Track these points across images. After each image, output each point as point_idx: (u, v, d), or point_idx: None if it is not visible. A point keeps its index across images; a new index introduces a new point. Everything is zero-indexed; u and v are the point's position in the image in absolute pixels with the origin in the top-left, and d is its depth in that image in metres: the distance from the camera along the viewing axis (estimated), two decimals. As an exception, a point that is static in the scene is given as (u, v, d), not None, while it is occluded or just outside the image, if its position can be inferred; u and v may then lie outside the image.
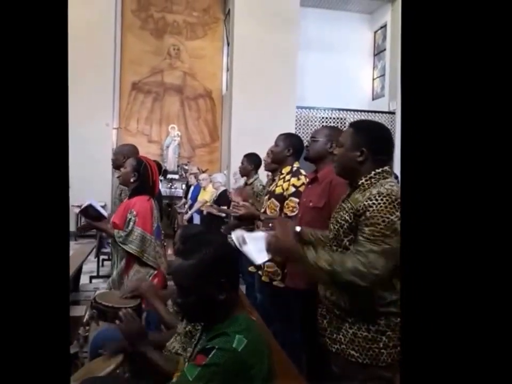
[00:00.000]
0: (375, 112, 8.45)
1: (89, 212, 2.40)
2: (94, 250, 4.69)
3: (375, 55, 9.61)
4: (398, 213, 1.30)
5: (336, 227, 1.46)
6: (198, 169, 7.40)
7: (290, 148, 2.52)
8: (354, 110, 8.42)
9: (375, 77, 9.59)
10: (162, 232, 2.85)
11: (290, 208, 2.34)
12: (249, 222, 2.72)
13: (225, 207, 4.97)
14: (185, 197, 6.99)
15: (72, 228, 7.00)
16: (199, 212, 5.76)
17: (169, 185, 8.58)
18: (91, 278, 4.78)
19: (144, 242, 2.33)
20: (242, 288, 3.37)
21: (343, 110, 8.41)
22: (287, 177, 2.46)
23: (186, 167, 8.56)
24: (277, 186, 2.49)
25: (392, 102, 8.47)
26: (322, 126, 7.11)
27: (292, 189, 2.38)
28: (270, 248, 1.44)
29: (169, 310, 1.84)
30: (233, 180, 6.17)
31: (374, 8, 9.28)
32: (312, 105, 8.29)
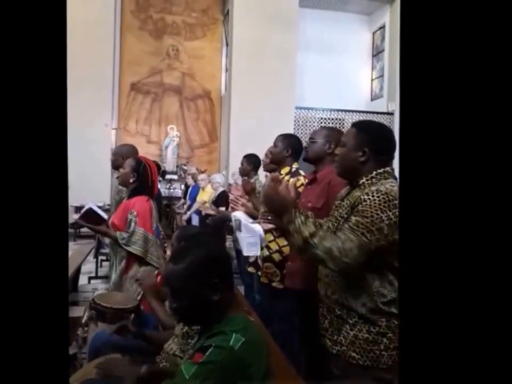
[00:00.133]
0: (374, 113, 8.46)
1: (89, 216, 2.37)
2: (93, 251, 4.69)
3: (373, 56, 9.62)
4: (389, 213, 1.30)
5: (335, 225, 1.46)
6: (197, 169, 7.39)
7: (289, 148, 2.52)
8: (353, 111, 8.44)
9: (373, 77, 9.60)
10: (162, 232, 2.84)
11: (289, 209, 2.33)
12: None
13: (224, 208, 4.97)
14: (184, 198, 6.98)
15: (71, 228, 7.00)
16: (198, 212, 5.76)
17: (168, 186, 8.59)
18: (90, 278, 4.78)
19: (147, 242, 2.33)
20: (241, 289, 3.37)
21: (341, 110, 8.43)
22: (286, 177, 2.46)
23: (185, 168, 8.56)
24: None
25: (390, 102, 8.48)
26: (321, 126, 7.10)
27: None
28: (266, 196, 1.40)
29: (166, 310, 1.84)
30: (232, 181, 6.17)
31: (373, 9, 9.29)
32: (311, 105, 8.30)
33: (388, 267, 1.35)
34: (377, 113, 8.44)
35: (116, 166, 3.06)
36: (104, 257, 4.91)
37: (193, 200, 6.21)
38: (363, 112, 8.53)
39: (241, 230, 1.67)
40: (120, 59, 8.62)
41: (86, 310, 2.48)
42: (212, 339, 1.09)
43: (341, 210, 1.46)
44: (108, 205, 5.71)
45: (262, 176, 3.73)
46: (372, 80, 9.63)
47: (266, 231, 2.09)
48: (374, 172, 1.43)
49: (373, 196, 1.33)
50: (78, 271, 4.13)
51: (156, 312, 1.82)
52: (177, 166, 8.85)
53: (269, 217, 1.55)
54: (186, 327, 1.51)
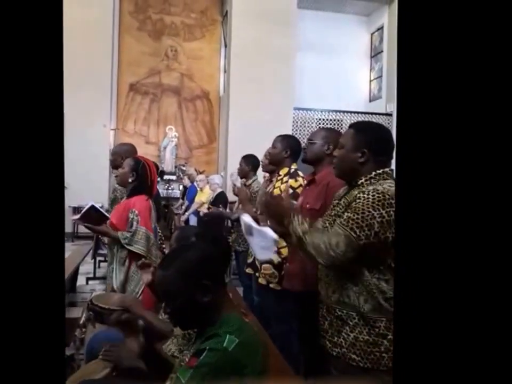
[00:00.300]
0: (372, 113, 8.47)
1: (90, 215, 2.34)
2: (91, 251, 4.67)
3: (372, 57, 9.64)
4: (382, 211, 1.30)
5: (332, 223, 1.46)
6: (195, 170, 7.39)
7: (288, 149, 2.52)
8: (351, 112, 8.44)
9: (372, 78, 9.61)
10: (160, 233, 2.84)
11: (288, 210, 2.33)
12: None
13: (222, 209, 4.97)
14: (182, 198, 6.99)
15: (69, 229, 6.99)
16: (196, 213, 5.76)
17: (166, 186, 8.59)
18: (88, 279, 4.77)
19: (149, 241, 2.31)
20: (240, 290, 3.37)
21: (340, 111, 8.43)
22: (285, 178, 2.46)
23: (183, 168, 8.55)
24: (274, 188, 2.49)
25: (389, 103, 8.49)
26: (320, 127, 7.14)
27: (290, 191, 2.37)
28: (265, 203, 1.49)
29: (159, 317, 1.82)
30: (230, 182, 6.17)
31: (371, 10, 9.31)
32: (310, 106, 8.31)
33: (386, 266, 1.36)
34: (376, 114, 8.45)
35: (115, 165, 3.05)
36: (102, 258, 4.90)
37: (191, 200, 6.21)
38: (362, 113, 8.53)
39: (253, 234, 1.67)
40: (118, 60, 8.61)
41: (84, 311, 2.47)
42: (207, 342, 1.09)
43: (337, 209, 1.46)
44: (108, 208, 5.71)
45: (261, 176, 3.74)
46: (371, 81, 9.64)
47: None
48: (373, 173, 1.43)
49: (368, 194, 1.34)
50: (76, 272, 4.12)
51: (149, 323, 1.79)
52: (175, 167, 8.84)
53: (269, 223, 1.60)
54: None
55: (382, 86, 9.01)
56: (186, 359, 1.18)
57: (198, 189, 6.11)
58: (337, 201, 1.53)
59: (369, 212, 1.30)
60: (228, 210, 5.04)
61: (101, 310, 1.80)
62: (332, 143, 2.05)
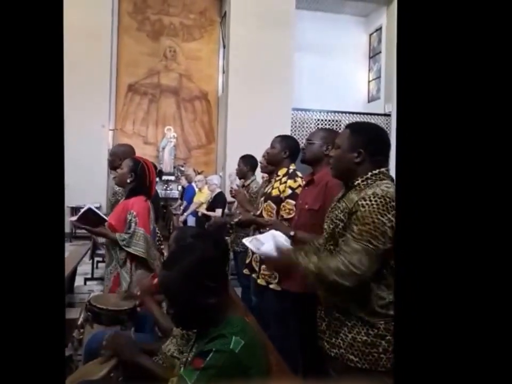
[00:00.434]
0: (371, 114, 8.48)
1: (88, 217, 2.33)
2: (89, 252, 4.67)
3: (370, 57, 9.65)
4: (389, 216, 1.29)
5: (332, 226, 1.45)
6: (194, 170, 7.39)
7: (287, 150, 2.52)
8: (350, 112, 8.45)
9: (370, 79, 9.62)
10: (158, 234, 2.83)
11: (287, 211, 2.33)
12: (247, 227, 2.73)
13: (220, 209, 4.98)
14: (181, 199, 6.98)
15: (67, 229, 6.98)
16: (194, 213, 5.75)
17: (165, 187, 8.58)
18: (85, 280, 4.76)
19: (148, 243, 2.30)
20: (238, 291, 3.36)
21: (338, 112, 8.44)
22: (284, 179, 2.46)
23: (182, 169, 8.55)
24: (273, 189, 2.49)
25: (387, 104, 8.50)
26: (318, 128, 7.15)
27: (289, 191, 2.37)
28: (268, 264, 1.49)
29: (164, 313, 1.83)
30: (229, 182, 6.16)
31: (370, 11, 9.32)
32: (308, 107, 8.31)
33: (388, 269, 1.35)
34: (375, 114, 8.46)
35: (112, 166, 3.04)
36: (100, 259, 4.90)
37: (189, 201, 6.21)
38: (360, 113, 8.54)
39: (263, 242, 1.67)
40: (117, 60, 8.61)
41: (82, 312, 2.47)
42: (212, 343, 1.09)
43: (336, 212, 1.45)
44: (109, 211, 5.71)
45: (259, 177, 3.73)
46: (369, 81, 9.65)
47: None
48: (369, 173, 1.43)
49: (370, 201, 1.32)
50: (74, 273, 4.11)
51: (153, 315, 1.80)
52: (174, 167, 8.84)
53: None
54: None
55: (381, 87, 9.02)
56: (188, 359, 1.18)
57: (197, 189, 6.10)
58: (334, 203, 1.53)
59: (378, 219, 1.29)
60: (226, 210, 5.04)
61: (99, 311, 1.80)
62: (331, 143, 2.05)
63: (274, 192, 2.45)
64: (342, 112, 8.44)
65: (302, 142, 3.33)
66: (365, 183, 1.42)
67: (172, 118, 9.03)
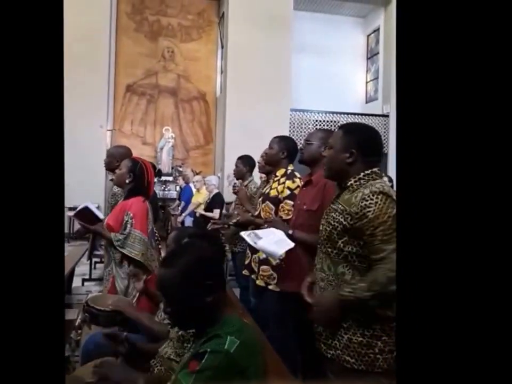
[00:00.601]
0: (369, 115, 8.49)
1: (84, 214, 2.33)
2: (87, 252, 4.65)
3: (368, 58, 9.67)
4: (394, 210, 1.31)
5: (329, 229, 1.45)
6: (192, 171, 7.39)
7: (285, 150, 2.52)
8: (348, 113, 8.46)
9: (368, 80, 9.64)
10: (156, 234, 2.82)
11: (286, 211, 2.33)
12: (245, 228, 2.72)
13: (218, 210, 4.97)
14: (179, 199, 6.97)
15: (66, 230, 6.96)
16: (192, 214, 5.75)
17: (163, 187, 8.57)
18: (83, 280, 4.74)
19: (144, 244, 2.28)
20: (237, 291, 3.36)
21: (336, 113, 8.45)
22: (282, 179, 2.46)
23: (180, 169, 8.54)
24: (271, 189, 2.49)
25: (385, 105, 8.51)
26: (316, 129, 7.14)
27: (287, 192, 2.37)
28: (317, 322, 1.44)
29: (154, 319, 1.81)
30: (227, 183, 6.16)
31: (367, 12, 9.34)
32: (306, 108, 8.32)
33: None
34: (372, 115, 8.47)
35: (109, 168, 3.03)
36: (98, 259, 4.88)
37: (186, 201, 6.20)
38: (358, 114, 8.55)
39: (261, 236, 1.66)
40: (115, 61, 8.60)
41: (80, 313, 2.46)
42: (207, 344, 1.09)
43: (333, 215, 1.45)
44: (107, 210, 5.69)
45: (257, 177, 3.73)
46: (367, 82, 9.67)
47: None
48: (362, 173, 1.44)
49: (372, 200, 1.33)
50: (71, 273, 4.10)
51: (143, 325, 1.77)
52: (172, 168, 8.83)
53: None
54: (181, 331, 1.49)
55: (378, 88, 9.03)
56: (183, 362, 1.17)
57: (195, 190, 6.10)
58: (330, 205, 1.53)
59: (388, 217, 1.30)
60: (224, 211, 5.03)
61: (97, 312, 1.79)
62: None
63: (273, 193, 2.45)
64: (340, 113, 8.44)
65: (300, 143, 3.32)
66: (357, 183, 1.43)
67: (170, 119, 9.03)
